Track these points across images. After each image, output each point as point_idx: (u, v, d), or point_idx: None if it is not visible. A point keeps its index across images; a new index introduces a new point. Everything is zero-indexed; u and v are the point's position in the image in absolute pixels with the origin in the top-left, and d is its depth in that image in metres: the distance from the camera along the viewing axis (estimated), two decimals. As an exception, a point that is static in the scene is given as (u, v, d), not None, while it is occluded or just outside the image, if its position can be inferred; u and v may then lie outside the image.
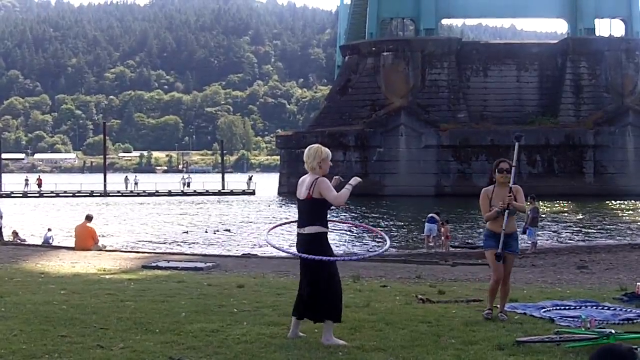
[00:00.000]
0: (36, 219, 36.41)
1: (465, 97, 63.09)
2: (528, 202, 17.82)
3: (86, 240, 18.46)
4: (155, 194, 65.50)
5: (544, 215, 32.84)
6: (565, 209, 44.51)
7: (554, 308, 8.07)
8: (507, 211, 7.40)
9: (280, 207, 49.38)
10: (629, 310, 8.01)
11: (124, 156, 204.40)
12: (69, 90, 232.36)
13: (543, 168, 58.55)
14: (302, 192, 6.39)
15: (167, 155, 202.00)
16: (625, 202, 48.85)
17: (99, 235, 19.96)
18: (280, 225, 8.52)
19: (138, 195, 64.58)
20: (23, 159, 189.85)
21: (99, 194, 63.51)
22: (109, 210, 45.53)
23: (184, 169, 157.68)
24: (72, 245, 19.15)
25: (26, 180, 68.11)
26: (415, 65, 62.89)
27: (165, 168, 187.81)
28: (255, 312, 7.88)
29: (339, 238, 25.98)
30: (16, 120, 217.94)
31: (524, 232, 20.19)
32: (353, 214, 39.34)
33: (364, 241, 25.59)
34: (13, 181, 69.76)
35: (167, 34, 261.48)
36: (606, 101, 62.20)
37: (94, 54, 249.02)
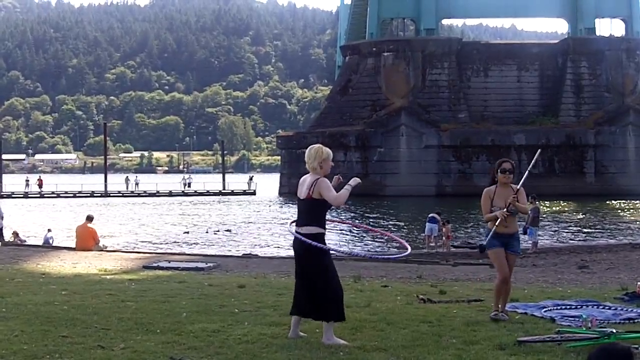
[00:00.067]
0: (37, 219, 36.42)
1: (465, 97, 63.09)
2: (529, 202, 17.80)
3: (87, 240, 18.47)
4: (156, 194, 65.52)
5: (544, 215, 32.82)
6: (566, 209, 44.50)
7: (555, 308, 8.07)
8: (508, 210, 7.41)
9: (281, 207, 49.37)
10: (630, 309, 8.01)
11: (125, 157, 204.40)
12: (69, 90, 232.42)
13: (544, 168, 58.52)
14: (302, 192, 6.40)
15: (167, 156, 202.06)
16: (626, 202, 48.82)
17: (100, 236, 19.97)
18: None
19: (139, 195, 64.60)
20: (24, 159, 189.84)
21: (99, 195, 63.53)
22: (109, 210, 45.55)
23: (185, 169, 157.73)
24: (73, 245, 19.16)
25: (27, 181, 68.11)
26: (416, 66, 62.89)
27: (166, 168, 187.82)
28: (256, 312, 7.88)
29: (339, 238, 25.99)
30: (17, 121, 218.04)
31: (524, 232, 20.16)
32: (354, 214, 39.35)
33: (364, 241, 25.59)
34: (14, 182, 69.78)
35: (168, 35, 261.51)
36: (607, 101, 62.20)
37: (95, 55, 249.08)
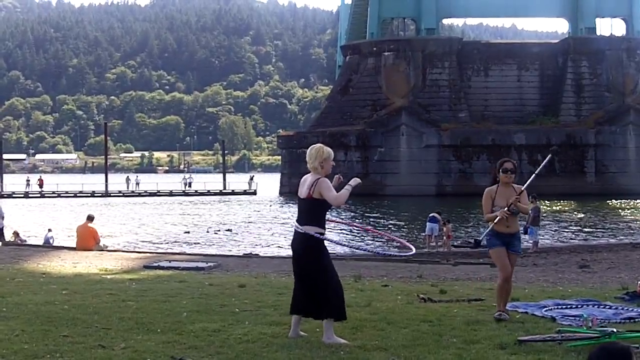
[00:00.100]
0: (37, 219, 36.43)
1: (466, 96, 63.10)
2: (529, 202, 17.80)
3: (87, 240, 18.46)
4: (157, 194, 65.55)
5: (545, 215, 32.82)
6: (567, 209, 44.50)
7: (556, 307, 8.07)
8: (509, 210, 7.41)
9: (282, 207, 49.37)
10: (630, 309, 8.01)
11: (126, 156, 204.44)
12: (70, 90, 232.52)
13: (544, 167, 58.43)
14: (303, 191, 6.41)
15: (168, 156, 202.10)
16: (627, 201, 48.82)
17: (101, 236, 19.96)
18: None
19: (139, 195, 64.61)
20: (24, 159, 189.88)
21: (100, 195, 63.54)
22: (110, 210, 45.56)
23: (185, 169, 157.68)
24: (74, 245, 19.16)
25: (27, 180, 68.15)
26: (416, 65, 62.90)
27: (167, 168, 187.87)
28: (256, 311, 7.88)
29: (339, 239, 25.94)
30: (17, 121, 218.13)
31: (525, 232, 20.16)
32: (354, 214, 39.35)
33: (365, 241, 25.57)
34: (14, 182, 69.81)
35: (168, 35, 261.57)
36: (607, 100, 62.20)
37: (95, 55, 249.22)
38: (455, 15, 74.16)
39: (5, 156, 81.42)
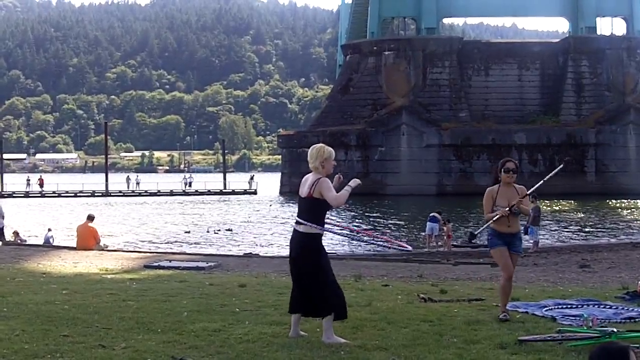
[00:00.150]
0: (37, 219, 36.43)
1: (466, 96, 63.09)
2: (530, 201, 17.78)
3: (88, 240, 18.47)
4: (157, 193, 65.54)
5: (545, 214, 32.82)
6: (567, 208, 44.50)
7: (556, 307, 8.07)
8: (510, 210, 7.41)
9: (282, 206, 49.36)
10: (631, 309, 8.01)
11: (126, 156, 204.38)
12: (70, 90, 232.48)
13: (544, 167, 58.46)
14: (304, 191, 6.43)
15: (168, 155, 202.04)
16: (627, 201, 48.83)
17: (101, 235, 19.97)
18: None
19: (140, 195, 64.60)
20: (25, 159, 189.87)
21: (100, 194, 63.54)
22: (110, 210, 45.57)
23: (186, 168, 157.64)
24: (74, 245, 19.16)
25: (28, 180, 68.17)
26: (417, 65, 62.89)
27: (167, 168, 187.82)
28: (257, 311, 7.88)
29: (340, 239, 25.92)
30: (18, 121, 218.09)
31: (525, 232, 20.15)
32: (354, 214, 39.36)
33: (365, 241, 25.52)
34: (15, 181, 69.78)
35: (168, 34, 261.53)
36: (607, 100, 62.19)
37: (95, 54, 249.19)
38: (456, 14, 74.14)
39: (5, 156, 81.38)
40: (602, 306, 8.18)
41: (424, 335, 6.51)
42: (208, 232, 30.08)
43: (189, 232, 30.07)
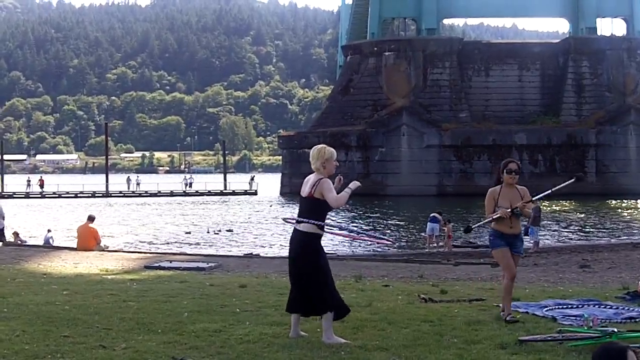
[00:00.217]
0: (38, 220, 36.44)
1: (467, 96, 63.09)
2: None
3: (88, 240, 18.47)
4: (157, 194, 65.55)
5: (546, 215, 32.80)
6: (567, 208, 44.47)
7: (557, 307, 8.07)
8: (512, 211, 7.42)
9: (283, 207, 49.34)
10: (631, 309, 8.01)
11: (126, 157, 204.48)
12: (70, 91, 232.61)
13: (545, 167, 58.53)
14: (305, 190, 6.46)
15: (169, 156, 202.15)
16: (627, 201, 48.80)
17: (101, 236, 19.97)
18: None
19: (140, 195, 64.63)
20: (25, 160, 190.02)
21: (101, 195, 63.54)
22: (111, 210, 45.57)
23: (186, 169, 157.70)
24: (74, 245, 19.17)
25: (28, 181, 68.14)
26: (417, 65, 62.89)
27: (167, 168, 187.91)
28: (257, 312, 7.88)
29: (340, 239, 25.94)
30: (18, 122, 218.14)
31: (526, 232, 20.15)
32: (354, 214, 39.36)
33: (364, 242, 25.54)
34: (15, 182, 69.80)
35: (169, 35, 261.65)
36: (608, 100, 62.18)
37: (96, 55, 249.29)
38: (456, 15, 74.13)
39: (6, 157, 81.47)
40: (602, 306, 8.18)
41: (425, 336, 6.51)
42: (208, 232, 30.08)
43: (189, 232, 30.06)
